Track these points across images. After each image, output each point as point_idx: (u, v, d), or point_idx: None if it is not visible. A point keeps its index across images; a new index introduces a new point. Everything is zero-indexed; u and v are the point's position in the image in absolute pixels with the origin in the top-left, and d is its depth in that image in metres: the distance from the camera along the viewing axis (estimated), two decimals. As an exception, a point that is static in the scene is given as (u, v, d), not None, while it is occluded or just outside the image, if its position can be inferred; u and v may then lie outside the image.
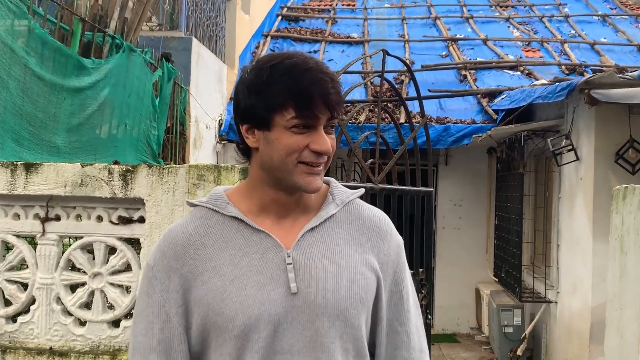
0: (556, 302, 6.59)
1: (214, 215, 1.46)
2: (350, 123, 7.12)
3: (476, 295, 8.55)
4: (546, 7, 11.24)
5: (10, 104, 4.03)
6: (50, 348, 2.58)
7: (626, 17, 10.69)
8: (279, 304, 1.37)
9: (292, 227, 1.44)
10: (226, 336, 1.37)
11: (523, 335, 6.91)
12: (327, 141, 1.37)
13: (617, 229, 2.57)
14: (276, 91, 1.35)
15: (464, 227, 8.86)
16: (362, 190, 1.57)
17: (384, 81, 3.92)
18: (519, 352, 6.89)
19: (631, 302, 2.40)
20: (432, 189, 3.37)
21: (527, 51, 9.49)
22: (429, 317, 3.28)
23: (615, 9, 11.12)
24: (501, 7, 11.44)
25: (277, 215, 1.45)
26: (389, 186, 3.00)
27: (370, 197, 2.99)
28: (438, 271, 8.77)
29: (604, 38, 9.77)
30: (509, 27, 10.50)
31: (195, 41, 7.42)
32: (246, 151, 1.49)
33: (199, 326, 1.40)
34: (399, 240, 1.55)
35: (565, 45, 9.46)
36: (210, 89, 7.92)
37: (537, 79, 8.15)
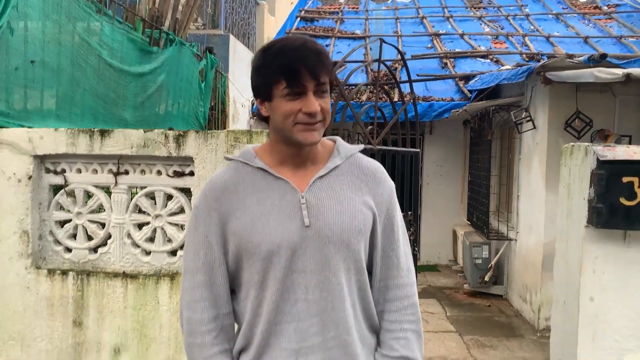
0: (516, 240, 6.56)
1: (245, 167, 1.47)
2: (354, 102, 7.04)
3: (453, 235, 8.54)
4: (511, 7, 10.93)
5: (88, 86, 4.01)
6: (124, 272, 2.61)
7: (575, 14, 10.38)
8: (296, 235, 1.39)
9: (305, 176, 1.46)
10: (255, 258, 1.40)
11: (490, 265, 6.91)
12: (315, 103, 1.36)
13: (565, 179, 2.53)
14: (271, 70, 1.36)
15: (444, 183, 8.81)
16: (361, 146, 1.57)
17: (382, 65, 3.85)
18: (486, 278, 6.90)
19: (575, 235, 2.37)
20: (418, 150, 3.33)
21: (495, 43, 9.28)
22: (416, 249, 3.27)
23: (566, 8, 10.78)
24: (475, 8, 11.14)
25: (293, 167, 1.46)
26: (384, 147, 2.97)
27: (370, 157, 2.95)
28: (423, 217, 8.76)
29: (557, 32, 9.52)
30: (481, 24, 10.24)
31: (232, 37, 7.32)
32: (265, 119, 1.50)
33: (234, 252, 1.43)
34: (391, 185, 1.55)
35: (526, 38, 9.22)
36: (244, 76, 7.84)
37: (503, 65, 7.98)
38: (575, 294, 2.32)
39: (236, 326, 1.57)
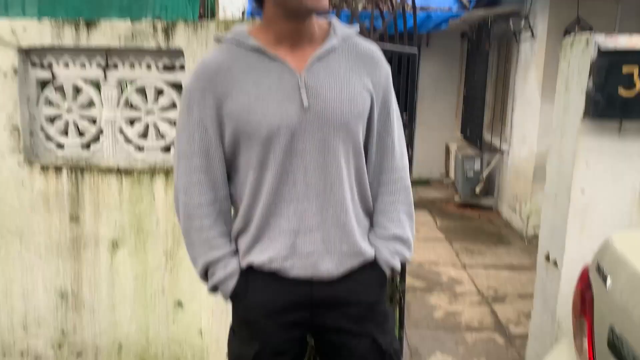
0: (508, 152, 6.61)
1: (238, 48, 1.42)
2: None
3: (446, 150, 8.58)
4: None
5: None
6: (118, 168, 2.60)
7: None
8: (295, 116, 1.37)
9: (302, 55, 1.41)
10: (254, 141, 1.38)
11: (481, 177, 6.99)
12: None
13: (563, 72, 2.49)
14: None
15: (439, 98, 8.74)
16: (357, 27, 1.52)
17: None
18: (477, 191, 7.01)
19: (570, 129, 2.37)
20: (415, 50, 3.24)
21: (496, -50, 8.85)
22: (411, 151, 3.27)
23: None
24: None
25: (290, 46, 1.40)
26: (381, 43, 2.89)
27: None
28: (417, 132, 8.72)
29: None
30: None
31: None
32: (260, 1, 1.43)
33: (231, 135, 1.41)
34: (388, 69, 1.52)
35: (529, -55, 8.79)
36: (234, -17, 7.52)
37: (503, -27, 7.66)
38: (567, 186, 2.36)
39: (233, 211, 1.58)
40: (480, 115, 6.84)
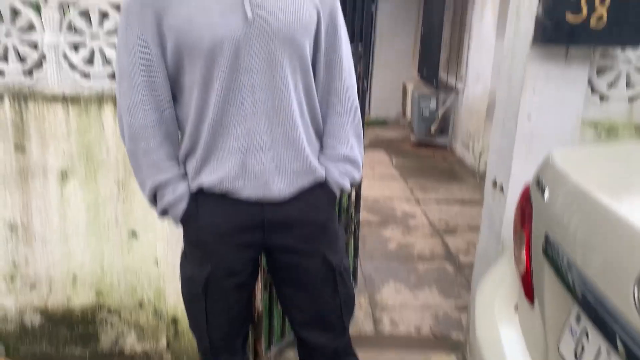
0: (463, 91, 6.70)
1: None
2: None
3: (402, 90, 8.63)
4: None
5: None
6: (64, 96, 2.51)
7: None
8: (239, 29, 1.33)
9: None
10: (196, 56, 1.35)
11: (436, 116, 7.10)
12: None
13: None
14: None
15: (397, 38, 8.70)
16: None
17: None
18: (432, 130, 7.13)
19: (520, 55, 2.41)
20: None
21: None
22: (366, 84, 3.27)
23: None
24: None
25: None
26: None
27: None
28: (374, 74, 8.74)
29: None
30: None
31: None
32: None
33: (173, 48, 1.37)
34: None
35: None
36: None
37: None
38: (515, 112, 2.43)
39: (180, 134, 1.55)
40: (437, 54, 6.87)
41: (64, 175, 2.58)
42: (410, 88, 8.01)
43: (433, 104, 7.00)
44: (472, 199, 5.35)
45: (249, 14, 1.33)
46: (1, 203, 2.61)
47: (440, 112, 7.01)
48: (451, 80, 6.98)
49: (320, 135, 1.58)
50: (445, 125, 7.16)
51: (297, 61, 1.42)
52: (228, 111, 1.40)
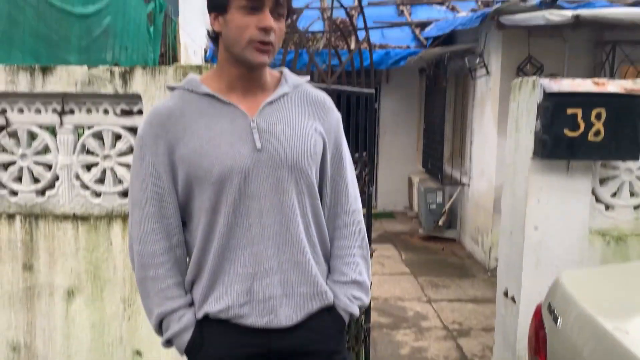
0: (469, 185, 6.76)
1: (190, 95, 1.43)
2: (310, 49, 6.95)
3: (408, 183, 8.72)
4: (467, -46, 10.88)
5: (28, 27, 3.80)
6: (74, 214, 2.56)
7: (530, -38, 10.43)
8: (247, 158, 1.38)
9: (254, 101, 1.43)
10: (206, 184, 1.38)
11: (443, 210, 7.11)
12: (270, 19, 1.33)
13: (513, 113, 2.59)
14: None
15: (400, 132, 8.92)
16: (307, 77, 1.57)
17: (340, 12, 3.79)
18: (440, 223, 7.11)
19: (522, 167, 2.46)
20: (372, 91, 3.33)
21: (451, -10, 9.25)
22: (371, 188, 3.32)
23: (521, -44, 10.82)
24: (431, -46, 11.04)
25: (242, 92, 1.43)
26: (338, 86, 2.96)
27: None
28: (380, 166, 8.88)
29: (512, -20, 9.55)
30: (437, -29, 10.16)
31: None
32: (215, 40, 1.45)
33: (183, 180, 1.41)
34: (338, 115, 1.57)
35: (482, -15, 9.23)
36: (196, 22, 7.59)
37: (459, 12, 8.00)
38: (521, 223, 2.43)
39: (188, 260, 1.56)
40: (440, 148, 7.02)
41: (70, 294, 2.56)
42: (415, 181, 8.10)
43: (439, 198, 7.04)
44: (485, 297, 5.23)
45: (258, 144, 1.38)
46: (5, 323, 2.58)
47: (447, 206, 7.05)
48: (456, 174, 7.08)
49: (327, 258, 1.56)
50: (453, 219, 7.17)
51: (305, 186, 1.44)
52: (235, 235, 1.40)
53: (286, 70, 1.53)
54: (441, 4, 8.60)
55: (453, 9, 8.37)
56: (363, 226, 1.60)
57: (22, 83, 2.48)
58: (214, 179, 1.37)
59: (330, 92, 3.07)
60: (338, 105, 2.97)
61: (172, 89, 1.49)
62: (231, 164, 1.37)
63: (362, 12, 4.68)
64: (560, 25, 4.69)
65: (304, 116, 1.47)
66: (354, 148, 3.33)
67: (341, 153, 1.55)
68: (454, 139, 7.33)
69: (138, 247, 1.46)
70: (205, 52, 7.81)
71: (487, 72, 5.94)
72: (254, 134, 1.39)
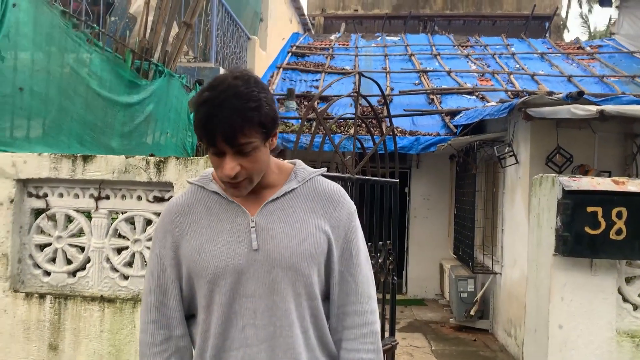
0: (500, 274, 6.61)
1: (202, 190, 1.49)
2: (342, 134, 7.16)
3: (440, 269, 8.57)
4: (497, 46, 11.27)
5: (76, 115, 4.10)
6: (101, 296, 2.64)
7: (559, 54, 10.70)
8: (243, 258, 1.38)
9: (258, 199, 1.45)
10: (202, 282, 1.40)
11: (475, 299, 6.92)
12: (229, 168, 1.33)
13: (535, 209, 2.61)
14: (196, 127, 1.33)
15: (431, 217, 8.88)
16: (322, 170, 1.56)
17: (368, 99, 3.97)
18: (472, 312, 6.91)
19: (544, 264, 2.44)
20: (397, 180, 3.41)
21: (481, 80, 9.51)
22: (395, 278, 3.32)
23: (551, 48, 11.13)
24: (462, 46, 11.48)
25: (247, 193, 1.43)
26: (362, 177, 3.05)
27: (348, 186, 3.03)
28: (410, 251, 8.80)
29: (542, 71, 9.79)
30: (467, 62, 10.52)
31: (222, 70, 7.48)
32: None
33: (186, 275, 1.44)
34: (350, 209, 1.51)
35: (511, 76, 9.48)
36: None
37: (488, 102, 8.17)
38: (545, 321, 2.38)
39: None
40: (471, 235, 6.94)
41: (91, 376, 2.60)
42: (447, 267, 7.96)
43: (471, 286, 6.88)
44: (519, 395, 4.97)
45: (254, 244, 1.39)
46: (26, 404, 2.61)
47: (479, 295, 6.86)
48: (487, 262, 6.95)
49: (334, 357, 1.49)
50: (485, 308, 6.94)
51: (302, 288, 1.40)
52: (230, 335, 1.39)
53: (299, 164, 1.55)
54: (471, 93, 8.83)
55: (482, 99, 8.57)
56: (376, 328, 1.51)
57: (64, 170, 2.67)
58: (209, 277, 1.38)
59: (353, 182, 3.17)
60: (362, 195, 3.06)
61: (190, 183, 1.55)
62: (225, 263, 1.38)
63: (386, 103, 4.88)
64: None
65: (308, 213, 1.45)
66: (378, 237, 3.37)
67: (351, 249, 1.49)
68: (485, 225, 7.26)
69: (140, 336, 1.49)
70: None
71: (517, 161, 5.98)
72: (251, 233, 1.40)
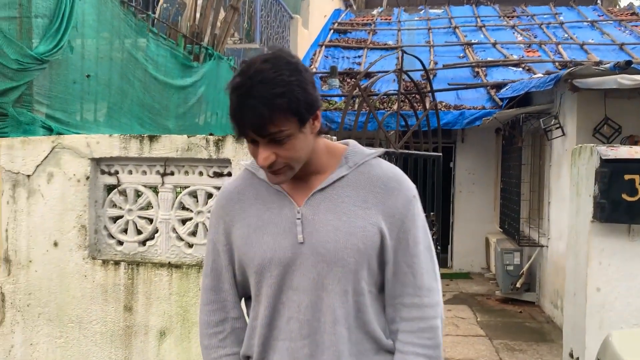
0: (547, 246, 6.65)
1: (253, 176, 1.47)
2: (385, 110, 7.27)
3: (485, 243, 8.64)
4: (544, 16, 11.04)
5: (136, 98, 4.41)
6: (169, 263, 2.93)
7: (611, 22, 10.39)
8: (289, 250, 1.36)
9: (307, 188, 1.40)
10: (250, 271, 1.42)
11: (521, 272, 7.00)
12: (263, 157, 1.28)
13: (574, 178, 2.73)
14: (229, 113, 1.29)
15: (476, 191, 8.93)
16: (378, 151, 1.48)
17: (410, 75, 4.11)
18: (518, 285, 7.00)
19: (583, 230, 2.57)
20: (440, 154, 3.56)
21: (528, 52, 9.39)
22: (439, 248, 3.49)
23: (602, 15, 10.81)
24: (508, 17, 11.29)
25: (295, 178, 1.39)
26: (405, 151, 3.22)
27: (394, 160, 3.20)
28: (456, 225, 8.90)
29: (592, 39, 9.56)
30: (513, 33, 10.37)
31: (266, 51, 7.69)
32: None
33: (238, 261, 1.45)
34: (408, 195, 1.40)
35: (559, 47, 9.30)
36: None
37: (535, 74, 8.09)
38: (583, 285, 2.52)
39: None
40: (517, 209, 6.99)
41: (162, 334, 2.91)
42: (493, 241, 8.04)
43: (517, 259, 6.95)
44: (564, 363, 5.08)
45: (300, 237, 1.35)
46: (106, 357, 2.95)
47: (525, 268, 6.93)
48: (534, 235, 6.99)
49: (386, 349, 1.43)
50: (531, 281, 7.02)
51: (349, 284, 1.36)
52: (276, 325, 1.40)
53: (351, 145, 1.47)
54: (517, 65, 8.75)
55: (529, 70, 8.49)
56: (436, 323, 1.41)
57: (133, 149, 2.95)
58: (255, 269, 1.39)
59: (397, 156, 3.33)
60: (406, 168, 3.22)
61: (244, 167, 1.53)
62: (271, 255, 1.36)
63: (428, 78, 4.99)
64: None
65: (358, 203, 1.38)
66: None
67: (409, 239, 1.39)
68: (531, 199, 7.28)
69: (200, 316, 1.53)
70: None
71: (563, 133, 5.97)
72: (297, 225, 1.36)
